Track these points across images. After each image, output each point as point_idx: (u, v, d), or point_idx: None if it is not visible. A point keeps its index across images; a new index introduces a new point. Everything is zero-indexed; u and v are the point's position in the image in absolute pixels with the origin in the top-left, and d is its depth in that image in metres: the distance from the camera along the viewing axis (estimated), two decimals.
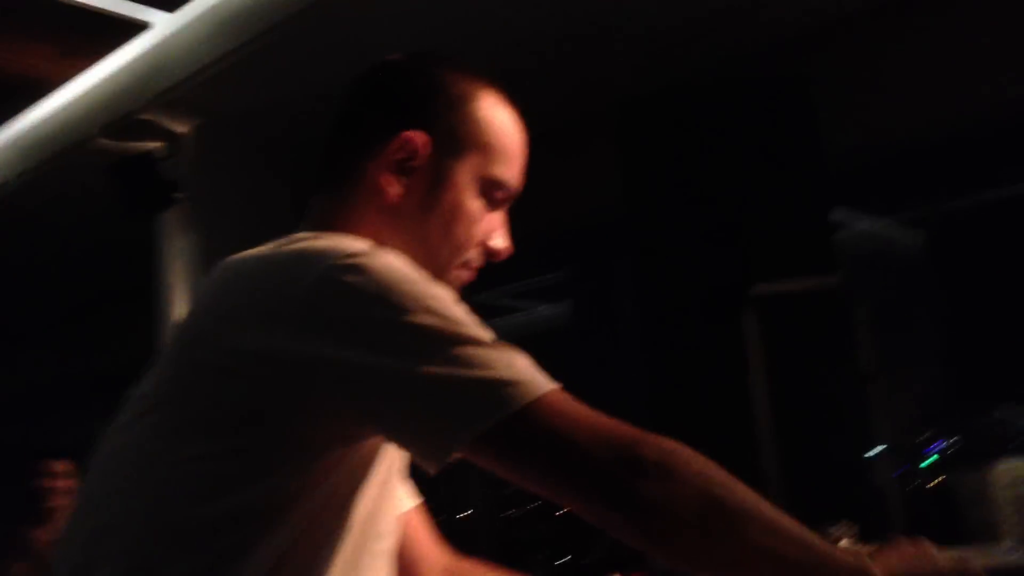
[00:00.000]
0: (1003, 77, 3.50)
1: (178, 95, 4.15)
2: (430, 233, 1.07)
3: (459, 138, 1.07)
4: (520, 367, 0.87)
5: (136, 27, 4.04)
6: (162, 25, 4.06)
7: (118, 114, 4.30)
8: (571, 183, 3.93)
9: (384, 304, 0.87)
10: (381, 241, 1.04)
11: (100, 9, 3.84)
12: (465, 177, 1.07)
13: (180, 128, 4.47)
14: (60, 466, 4.01)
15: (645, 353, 3.48)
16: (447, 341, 0.86)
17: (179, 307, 4.52)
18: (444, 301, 0.89)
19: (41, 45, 4.09)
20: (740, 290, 3.09)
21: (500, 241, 1.11)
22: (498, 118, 1.10)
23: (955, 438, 4.49)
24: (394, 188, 1.06)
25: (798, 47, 3.85)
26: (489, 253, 1.11)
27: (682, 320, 3.25)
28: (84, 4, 3.79)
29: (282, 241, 0.99)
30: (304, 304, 0.88)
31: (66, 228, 5.55)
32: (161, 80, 4.15)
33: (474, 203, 1.08)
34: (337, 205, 1.09)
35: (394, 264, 0.91)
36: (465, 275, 1.11)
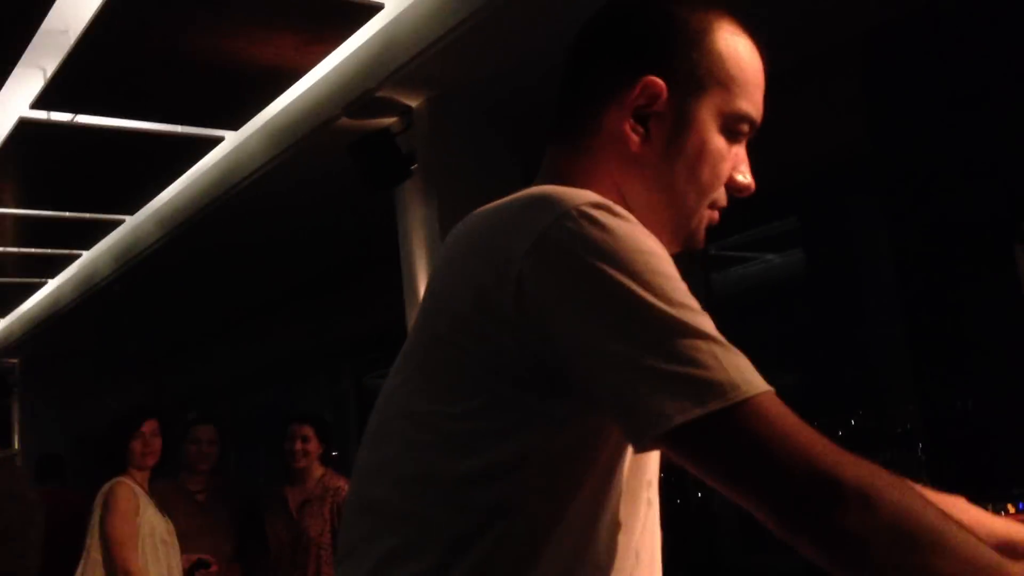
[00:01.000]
0: None
1: (409, 71, 4.32)
2: (676, 179, 1.04)
3: (699, 76, 1.03)
4: (733, 365, 0.84)
5: (369, 9, 4.22)
6: (392, 5, 4.22)
7: (356, 93, 4.53)
8: (803, 123, 3.78)
9: (609, 272, 0.86)
10: (625, 191, 1.04)
11: None
12: (708, 115, 1.03)
13: (413, 102, 4.65)
14: (308, 430, 4.22)
15: (902, 302, 3.29)
16: (664, 328, 0.84)
17: (421, 275, 4.72)
18: (671, 281, 0.87)
19: (284, 36, 4.36)
20: (1010, 225, 2.88)
21: (745, 178, 1.07)
22: (736, 49, 1.05)
23: None
24: (636, 135, 1.03)
25: None
26: (736, 190, 1.07)
27: (945, 262, 3.05)
28: None
29: (517, 194, 0.98)
30: (528, 260, 0.88)
31: (313, 206, 5.91)
32: (393, 57, 4.33)
33: (719, 141, 1.04)
34: (575, 157, 1.07)
35: (624, 227, 0.89)
36: (714, 216, 1.08)
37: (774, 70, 1.11)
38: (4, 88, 4.60)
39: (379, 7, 4.22)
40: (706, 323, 0.86)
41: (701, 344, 0.84)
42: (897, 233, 3.23)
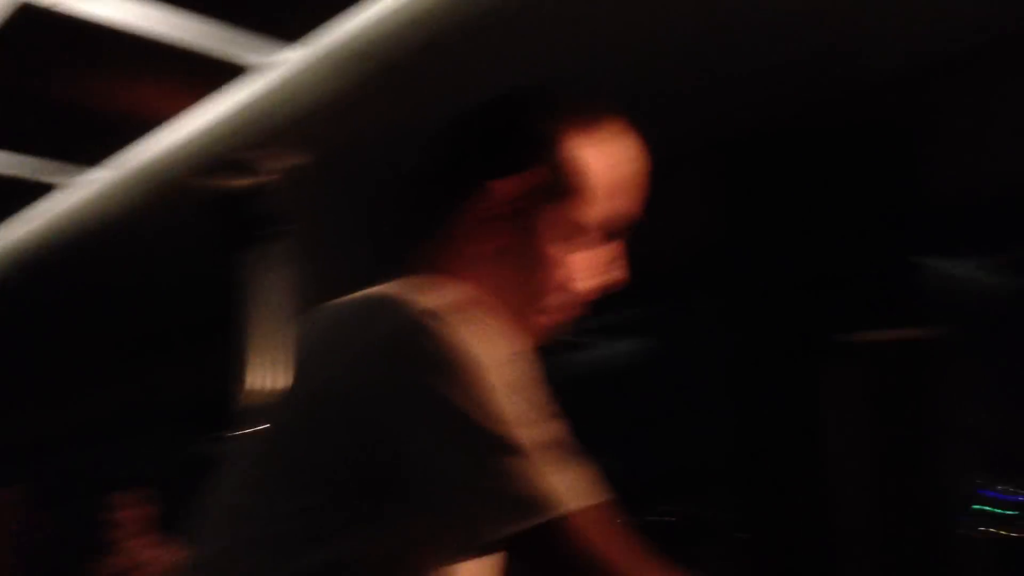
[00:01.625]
0: None
1: (283, 131, 4.32)
2: (522, 281, 1.07)
3: (556, 183, 1.06)
4: (558, 480, 0.87)
5: (244, 69, 4.21)
6: (268, 68, 4.23)
7: (227, 148, 4.48)
8: (653, 220, 4.00)
9: (447, 384, 0.88)
10: (479, 288, 1.06)
11: (216, 48, 4.02)
12: (563, 221, 1.07)
13: (286, 163, 4.62)
14: (128, 499, 4.04)
15: (732, 394, 3.51)
16: (493, 443, 0.87)
17: (267, 341, 4.64)
18: (509, 394, 0.90)
19: (150, 84, 4.28)
20: (834, 339, 3.14)
21: (610, 274, 1.12)
22: (598, 156, 1.08)
23: None
24: (490, 236, 1.07)
25: (897, 91, 3.90)
26: (591, 289, 1.11)
27: (775, 364, 3.28)
28: (200, 44, 3.97)
29: (371, 292, 1.01)
30: (374, 363, 0.91)
31: (158, 259, 5.74)
32: (268, 116, 4.32)
33: (573, 245, 1.07)
34: (433, 252, 1.10)
35: (468, 336, 0.91)
36: (570, 313, 1.11)
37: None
38: None
39: (255, 68, 4.21)
40: (540, 437, 0.89)
41: (529, 459, 0.87)
42: (736, 330, 3.45)
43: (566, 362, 5.93)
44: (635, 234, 1.14)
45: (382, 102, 4.11)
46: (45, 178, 5.17)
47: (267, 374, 4.81)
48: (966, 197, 3.90)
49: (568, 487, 0.87)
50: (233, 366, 4.91)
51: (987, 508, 4.37)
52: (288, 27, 4.00)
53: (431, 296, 0.95)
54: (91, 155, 4.98)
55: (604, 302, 1.14)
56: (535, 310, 1.08)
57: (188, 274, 5.85)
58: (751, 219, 3.38)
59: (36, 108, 4.42)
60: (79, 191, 5.33)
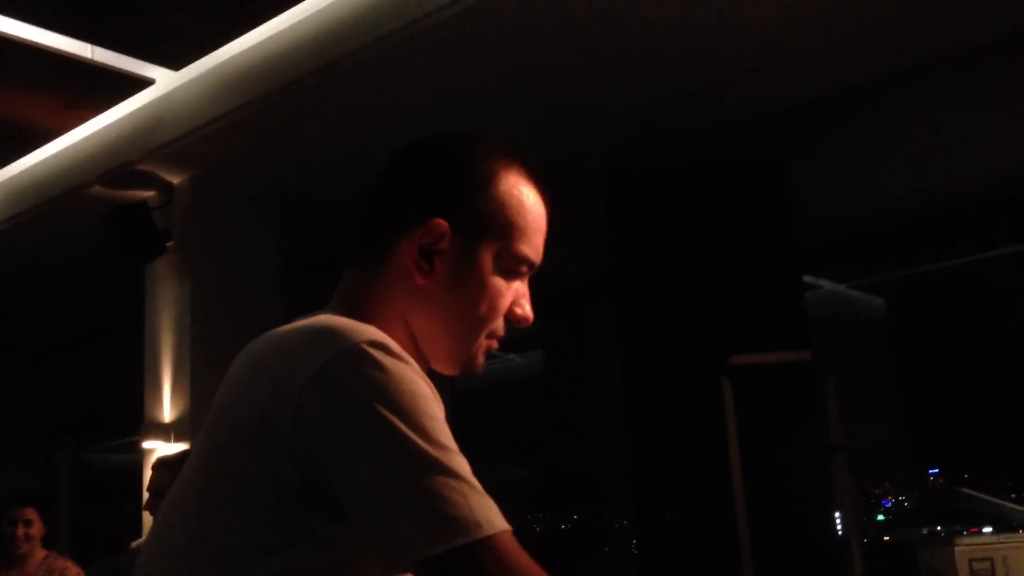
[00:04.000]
0: (960, 158, 3.77)
1: (174, 148, 4.29)
2: (456, 312, 1.12)
3: (483, 221, 1.11)
4: (479, 505, 0.93)
5: (137, 83, 4.17)
6: (163, 82, 4.20)
7: (115, 164, 4.43)
8: (552, 240, 4.11)
9: (379, 409, 0.93)
10: (409, 319, 1.13)
11: (104, 64, 3.98)
12: (489, 256, 1.11)
13: (174, 179, 4.59)
14: (31, 513, 3.97)
15: (623, 414, 3.63)
16: (423, 466, 0.93)
17: (166, 352, 4.61)
18: (434, 422, 0.96)
19: (45, 96, 4.21)
20: (716, 360, 3.27)
21: (522, 310, 1.16)
22: (520, 196, 1.13)
23: (908, 495, 4.72)
24: (420, 270, 1.11)
25: (771, 127, 4.11)
26: (514, 321, 1.16)
27: (664, 383, 3.41)
28: (89, 59, 3.93)
29: (307, 321, 1.05)
30: (309, 389, 0.95)
31: (51, 271, 5.63)
32: (158, 133, 4.29)
33: (498, 280, 1.12)
34: (367, 284, 1.14)
35: (398, 368, 0.97)
36: (493, 345, 1.17)
37: None
38: None
39: (149, 82, 4.18)
40: (461, 465, 0.95)
41: (454, 484, 0.93)
42: (625, 350, 3.56)
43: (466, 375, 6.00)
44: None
45: (264, 125, 4.13)
46: None
47: (162, 385, 4.78)
48: (839, 223, 4.13)
49: (486, 511, 0.93)
50: (128, 377, 4.87)
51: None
52: (175, 51, 4.00)
53: (366, 328, 0.99)
54: None
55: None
56: (466, 334, 1.13)
57: (78, 286, 5.76)
58: (641, 245, 3.51)
59: None
60: None
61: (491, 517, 0.93)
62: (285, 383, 0.97)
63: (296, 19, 3.79)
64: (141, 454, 4.54)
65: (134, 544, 3.62)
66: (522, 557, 0.93)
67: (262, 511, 0.96)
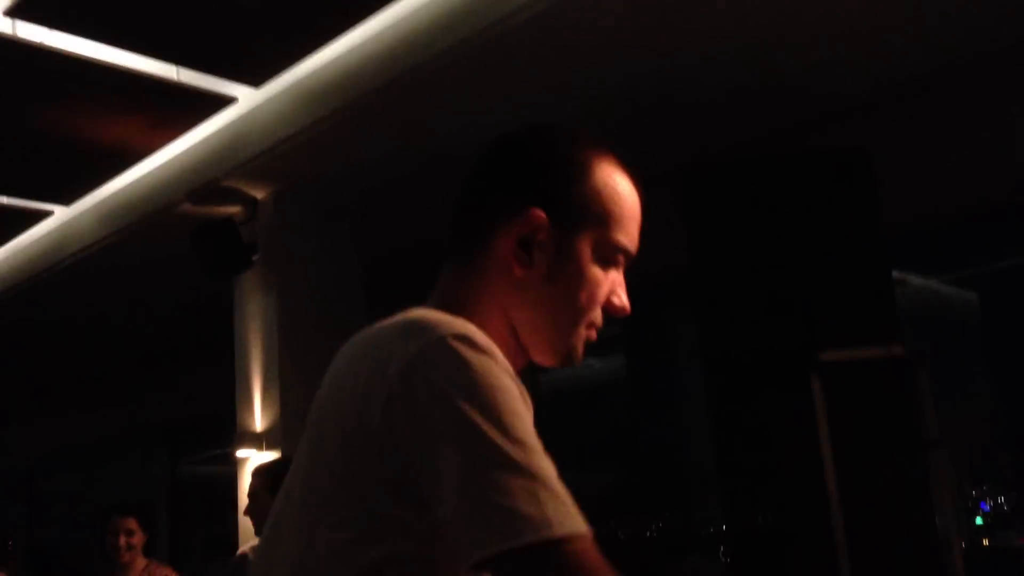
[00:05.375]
0: None
1: (257, 164, 4.39)
2: (555, 302, 1.11)
3: (580, 210, 1.12)
4: (554, 505, 0.92)
5: (221, 101, 4.27)
6: (245, 100, 4.30)
7: (201, 181, 4.54)
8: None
9: (461, 404, 0.94)
10: (509, 311, 1.13)
11: (189, 85, 4.09)
12: (587, 246, 1.12)
13: (258, 194, 4.70)
14: (132, 523, 4.09)
15: (710, 416, 3.57)
16: (500, 463, 0.92)
17: (255, 363, 4.71)
18: (516, 418, 0.96)
19: (133, 117, 4.35)
20: (805, 357, 3.20)
21: (619, 300, 1.16)
22: (616, 186, 1.14)
23: (1008, 497, 4.55)
24: (519, 262, 1.11)
25: (852, 118, 4.01)
26: (612, 311, 1.16)
27: (751, 382, 3.35)
28: (175, 80, 4.04)
29: (400, 317, 1.06)
30: (397, 382, 0.97)
31: (146, 287, 5.80)
32: (242, 150, 4.39)
33: (596, 270, 1.13)
34: (465, 277, 1.14)
35: (484, 362, 0.97)
36: (591, 335, 1.16)
37: None
38: None
39: (231, 100, 4.28)
40: (540, 463, 0.95)
41: (530, 483, 0.92)
42: (709, 350, 3.51)
43: (548, 380, 6.01)
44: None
45: (342, 137, 4.19)
46: (32, 207, 5.22)
47: (253, 395, 4.88)
48: (927, 215, 4.01)
49: (560, 511, 0.92)
50: (220, 389, 4.99)
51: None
52: (256, 69, 4.09)
53: (455, 321, 1.00)
54: (72, 187, 5.04)
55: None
56: (567, 324, 1.13)
57: (170, 301, 5.92)
58: (722, 241, 3.45)
59: (16, 143, 4.47)
60: (63, 222, 5.39)
61: (564, 518, 0.91)
62: (376, 376, 0.99)
63: (371, 32, 3.84)
64: (234, 464, 4.65)
65: (241, 551, 3.72)
66: (597, 561, 0.92)
67: (358, 502, 0.98)
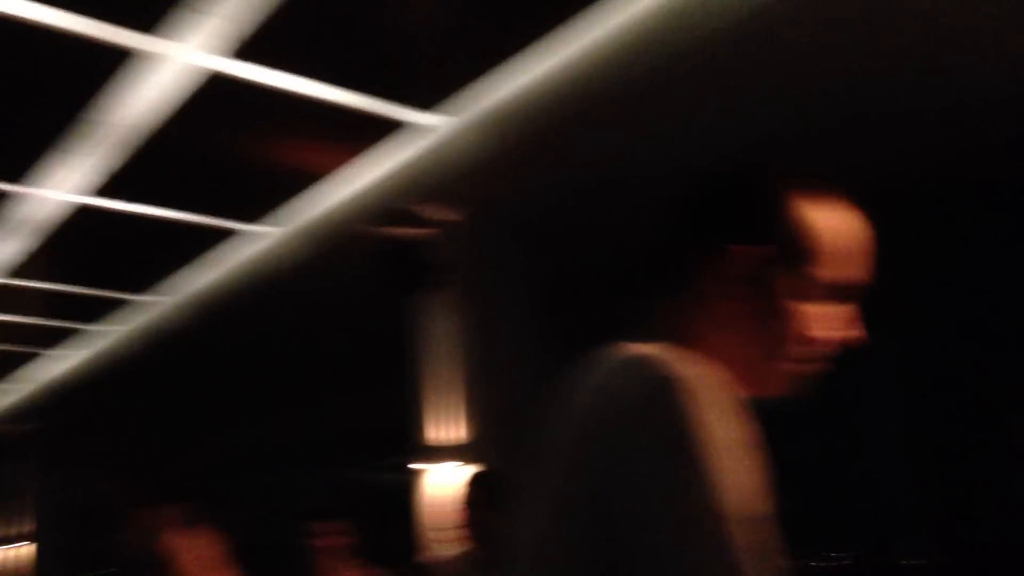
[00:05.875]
0: None
1: (444, 189, 4.56)
2: (769, 340, 1.14)
3: (794, 249, 1.13)
4: (744, 570, 0.92)
5: (412, 129, 4.47)
6: (434, 127, 4.48)
7: (392, 205, 4.76)
8: None
9: (673, 458, 0.96)
10: (721, 346, 1.15)
11: (381, 114, 4.30)
12: (801, 285, 1.13)
13: (443, 217, 4.88)
14: (333, 528, 4.21)
15: (913, 436, 3.41)
16: (700, 527, 0.94)
17: (436, 380, 4.88)
18: (720, 480, 0.95)
19: (329, 145, 4.61)
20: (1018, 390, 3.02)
21: (848, 332, 1.16)
22: (831, 224, 1.15)
23: None
24: (731, 299, 1.13)
25: None
26: (830, 346, 1.16)
27: (957, 412, 3.16)
28: (369, 111, 4.26)
29: (619, 357, 1.09)
30: (611, 425, 1.00)
31: (336, 304, 6.11)
32: (433, 175, 4.57)
33: (810, 308, 1.13)
34: (678, 312, 1.17)
35: (697, 412, 0.97)
36: (806, 369, 1.17)
37: None
38: (57, 174, 4.83)
39: (421, 128, 4.47)
40: (751, 528, 0.95)
41: (734, 554, 0.92)
42: (912, 377, 3.32)
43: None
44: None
45: (527, 161, 4.29)
46: (228, 227, 5.61)
47: (438, 411, 5.04)
48: None
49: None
50: (406, 403, 5.17)
51: None
52: (444, 98, 4.24)
53: (678, 364, 1.02)
54: (266, 209, 5.38)
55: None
56: (778, 359, 1.15)
57: (360, 317, 6.19)
58: (927, 263, 3.27)
59: (220, 167, 4.82)
60: (259, 242, 5.77)
61: None
62: (592, 420, 1.03)
63: (562, 59, 3.90)
64: (408, 474, 4.85)
65: (425, 559, 3.80)
66: None
67: (574, 553, 1.01)
